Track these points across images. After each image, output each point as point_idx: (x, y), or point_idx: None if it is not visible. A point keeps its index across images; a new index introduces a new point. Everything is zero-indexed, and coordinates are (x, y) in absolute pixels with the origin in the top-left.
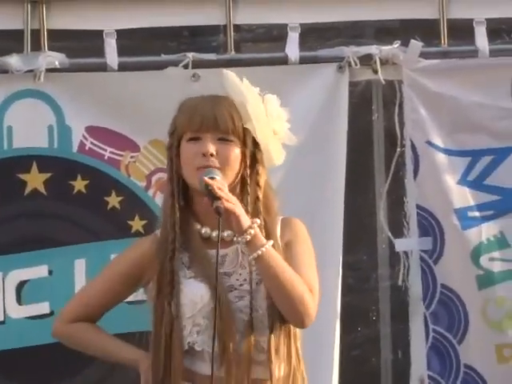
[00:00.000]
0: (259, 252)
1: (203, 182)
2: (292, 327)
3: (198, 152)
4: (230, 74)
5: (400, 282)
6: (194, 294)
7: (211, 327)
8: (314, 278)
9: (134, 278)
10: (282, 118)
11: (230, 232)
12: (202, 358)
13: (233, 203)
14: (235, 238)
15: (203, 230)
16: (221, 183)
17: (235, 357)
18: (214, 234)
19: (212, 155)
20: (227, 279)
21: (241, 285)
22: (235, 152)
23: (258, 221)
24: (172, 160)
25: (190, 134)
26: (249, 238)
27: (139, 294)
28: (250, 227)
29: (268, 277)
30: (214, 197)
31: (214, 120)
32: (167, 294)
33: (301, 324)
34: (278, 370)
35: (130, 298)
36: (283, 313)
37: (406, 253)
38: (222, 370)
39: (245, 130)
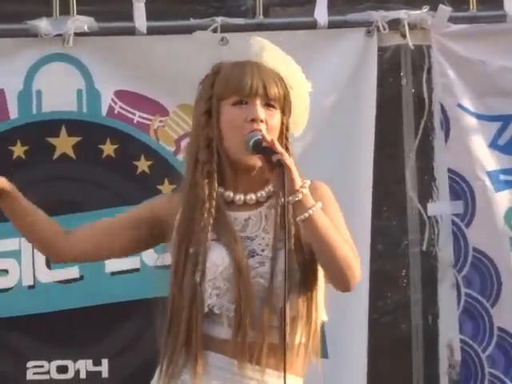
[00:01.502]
0: (310, 212)
1: (257, 138)
2: (314, 294)
3: (247, 117)
4: (266, 41)
5: (430, 247)
6: (216, 256)
7: (231, 291)
8: (351, 240)
9: (146, 225)
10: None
11: (253, 195)
12: (220, 321)
13: (289, 159)
14: (284, 199)
15: (226, 194)
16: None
17: (253, 322)
18: (237, 197)
19: (262, 121)
20: (249, 243)
21: (263, 250)
22: (278, 119)
23: (308, 182)
24: (209, 125)
25: (235, 97)
26: (300, 196)
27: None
28: (302, 186)
29: (316, 239)
30: (272, 151)
31: (263, 86)
32: (193, 254)
33: (347, 287)
34: (297, 336)
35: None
36: (329, 275)
37: (435, 218)
38: (240, 335)
39: (285, 98)
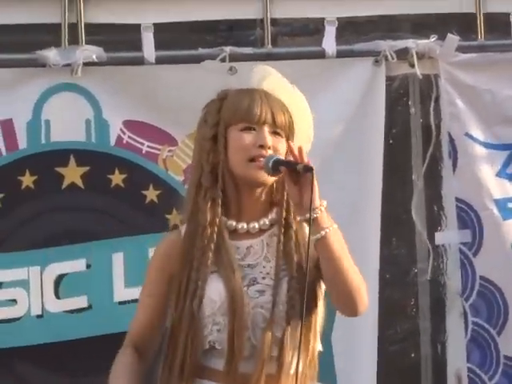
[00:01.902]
0: (327, 231)
1: (277, 158)
2: (313, 322)
3: (255, 143)
4: (270, 69)
5: (438, 276)
6: (214, 291)
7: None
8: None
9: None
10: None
11: (256, 224)
12: (222, 355)
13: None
14: (303, 217)
15: (229, 222)
16: None
17: (253, 353)
18: (240, 226)
19: (269, 147)
20: (250, 271)
21: (263, 278)
22: (283, 146)
23: (324, 202)
24: (216, 150)
25: (244, 124)
26: (319, 213)
27: None
28: (321, 204)
29: (329, 260)
30: (295, 163)
31: (271, 114)
32: (192, 291)
33: (355, 311)
34: (293, 365)
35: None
36: (337, 299)
37: (444, 246)
38: (231, 367)
39: (290, 126)
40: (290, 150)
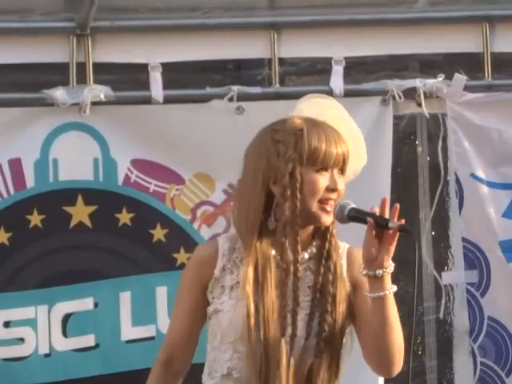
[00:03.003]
0: (387, 292)
1: (364, 212)
2: (340, 359)
3: (328, 185)
4: (333, 100)
5: (446, 315)
6: (237, 318)
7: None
8: None
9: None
10: None
11: (305, 253)
12: (239, 382)
13: None
14: (369, 272)
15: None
16: None
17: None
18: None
19: (338, 190)
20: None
21: (289, 311)
22: (344, 184)
23: (393, 265)
24: (293, 187)
25: (320, 166)
26: (386, 274)
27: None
28: (391, 264)
29: (382, 320)
30: (385, 219)
31: (342, 157)
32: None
33: (390, 373)
34: None
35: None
36: (372, 358)
37: (451, 286)
38: None
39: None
40: (383, 204)
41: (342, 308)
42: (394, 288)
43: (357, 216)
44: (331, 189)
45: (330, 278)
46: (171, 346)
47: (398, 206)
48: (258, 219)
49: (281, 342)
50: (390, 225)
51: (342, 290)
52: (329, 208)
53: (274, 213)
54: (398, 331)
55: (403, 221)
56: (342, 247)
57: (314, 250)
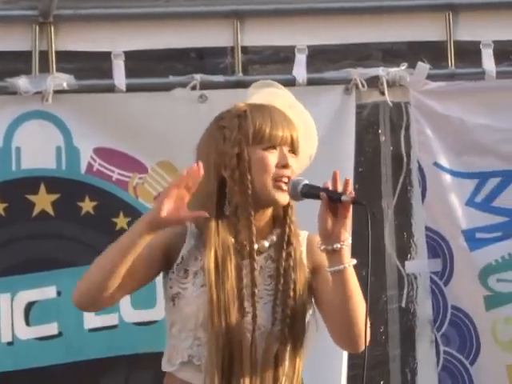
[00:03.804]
0: (346, 265)
1: (306, 184)
2: (303, 344)
3: (278, 162)
4: (281, 87)
5: (408, 304)
6: (199, 306)
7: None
8: None
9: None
10: None
11: (265, 242)
12: (200, 369)
13: None
14: (327, 246)
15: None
16: None
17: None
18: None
19: (289, 167)
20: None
21: (248, 300)
22: (295, 165)
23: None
24: (242, 168)
25: (267, 144)
26: (344, 247)
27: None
28: (348, 237)
29: (344, 294)
30: (338, 193)
31: (290, 135)
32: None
33: (357, 347)
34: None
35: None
36: (340, 334)
37: (414, 274)
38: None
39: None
40: (334, 178)
41: (303, 293)
42: (354, 261)
43: (310, 192)
44: (282, 165)
45: (291, 263)
46: None
47: (349, 179)
48: (214, 207)
49: (241, 328)
50: (343, 198)
51: (302, 276)
52: (284, 186)
53: (227, 198)
54: (361, 304)
55: (353, 193)
56: (303, 235)
57: (275, 238)
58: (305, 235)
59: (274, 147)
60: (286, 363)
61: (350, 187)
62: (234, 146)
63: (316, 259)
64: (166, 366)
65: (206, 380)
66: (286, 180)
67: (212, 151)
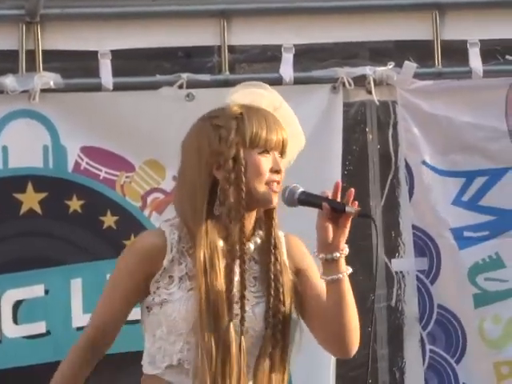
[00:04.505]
0: (343, 274)
1: (303, 192)
2: (289, 348)
3: (271, 167)
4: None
5: (396, 303)
6: (188, 310)
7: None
8: None
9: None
10: None
11: (251, 244)
12: (187, 373)
13: None
14: (326, 255)
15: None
16: None
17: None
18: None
19: (281, 172)
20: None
21: (236, 302)
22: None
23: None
24: (238, 171)
25: (262, 148)
26: (342, 256)
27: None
28: (345, 246)
29: (339, 303)
30: (342, 204)
31: (282, 143)
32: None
33: (349, 354)
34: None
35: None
36: (336, 340)
37: (402, 273)
38: None
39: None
40: (336, 189)
41: (290, 297)
42: (350, 270)
43: (309, 200)
44: (275, 170)
45: (279, 267)
46: (96, 330)
47: (353, 190)
48: (204, 206)
49: (227, 330)
50: (348, 210)
51: (288, 279)
52: (275, 189)
53: (218, 198)
54: (354, 311)
55: (356, 204)
56: (281, 235)
57: (258, 240)
58: (282, 235)
59: (267, 151)
60: (277, 368)
61: (351, 198)
62: (231, 148)
63: (298, 262)
64: (148, 369)
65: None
66: (275, 185)
67: (205, 149)
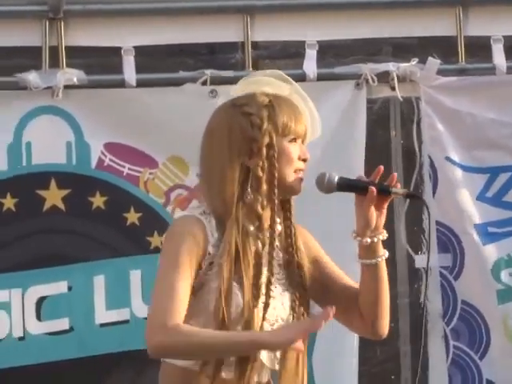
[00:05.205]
0: (382, 258)
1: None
2: (307, 344)
3: (300, 155)
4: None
5: (419, 299)
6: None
7: None
8: None
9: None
10: None
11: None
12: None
13: None
14: (366, 238)
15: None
16: None
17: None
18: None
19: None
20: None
21: (263, 289)
22: None
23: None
24: (271, 158)
25: (292, 136)
26: (381, 238)
27: None
28: (384, 230)
29: (378, 286)
30: (388, 187)
31: (305, 130)
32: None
33: (383, 336)
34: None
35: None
36: (370, 322)
37: (424, 269)
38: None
39: None
40: (378, 172)
41: (309, 286)
42: (387, 253)
43: (351, 184)
44: (303, 158)
45: (300, 255)
46: (181, 314)
47: (395, 174)
48: (235, 194)
49: (251, 318)
50: (395, 191)
51: (307, 267)
52: (302, 177)
53: (250, 186)
54: (387, 297)
55: (398, 185)
56: None
57: (279, 227)
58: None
59: (295, 140)
60: (301, 357)
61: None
62: (265, 136)
63: (312, 249)
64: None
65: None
66: (301, 173)
67: (236, 136)
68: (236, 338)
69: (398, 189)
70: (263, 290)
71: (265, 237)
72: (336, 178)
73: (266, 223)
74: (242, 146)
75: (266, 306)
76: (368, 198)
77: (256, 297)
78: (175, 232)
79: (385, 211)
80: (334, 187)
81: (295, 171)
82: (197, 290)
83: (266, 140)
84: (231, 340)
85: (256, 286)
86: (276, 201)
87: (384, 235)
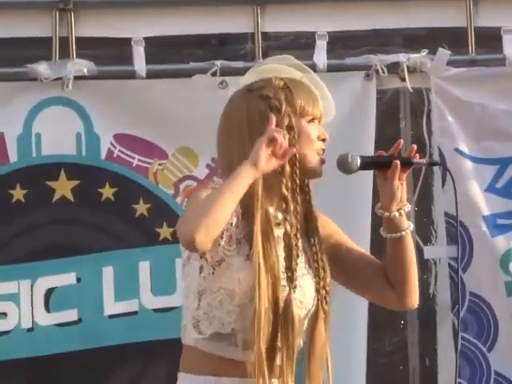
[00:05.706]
0: (407, 231)
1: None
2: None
3: (319, 135)
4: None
5: (428, 290)
6: (247, 281)
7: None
8: None
9: None
10: None
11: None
12: (235, 344)
13: None
14: (392, 212)
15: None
16: None
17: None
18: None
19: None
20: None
21: (287, 273)
22: None
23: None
24: (293, 138)
25: (310, 117)
26: (407, 210)
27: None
28: (407, 202)
29: (407, 257)
30: (409, 158)
31: (321, 112)
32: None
33: (412, 306)
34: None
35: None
36: (400, 293)
37: (434, 260)
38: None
39: None
40: (397, 146)
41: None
42: (411, 225)
43: (374, 161)
44: (322, 138)
45: (319, 238)
46: None
47: (415, 146)
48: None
49: (289, 300)
50: (417, 161)
51: (327, 249)
52: (323, 158)
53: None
54: (415, 268)
55: (417, 156)
56: None
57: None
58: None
59: (313, 120)
60: (325, 341)
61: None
62: (284, 117)
63: (328, 228)
64: (191, 333)
65: (247, 354)
66: (322, 153)
67: (255, 119)
68: (229, 179)
69: (420, 159)
70: (291, 275)
71: (290, 220)
72: (360, 157)
73: (291, 206)
74: (262, 128)
75: (294, 287)
76: (392, 172)
77: (291, 279)
78: (198, 191)
79: (405, 183)
80: (357, 166)
81: (317, 152)
82: (215, 265)
83: (286, 121)
84: (226, 183)
85: (290, 268)
86: (298, 182)
87: (408, 206)
